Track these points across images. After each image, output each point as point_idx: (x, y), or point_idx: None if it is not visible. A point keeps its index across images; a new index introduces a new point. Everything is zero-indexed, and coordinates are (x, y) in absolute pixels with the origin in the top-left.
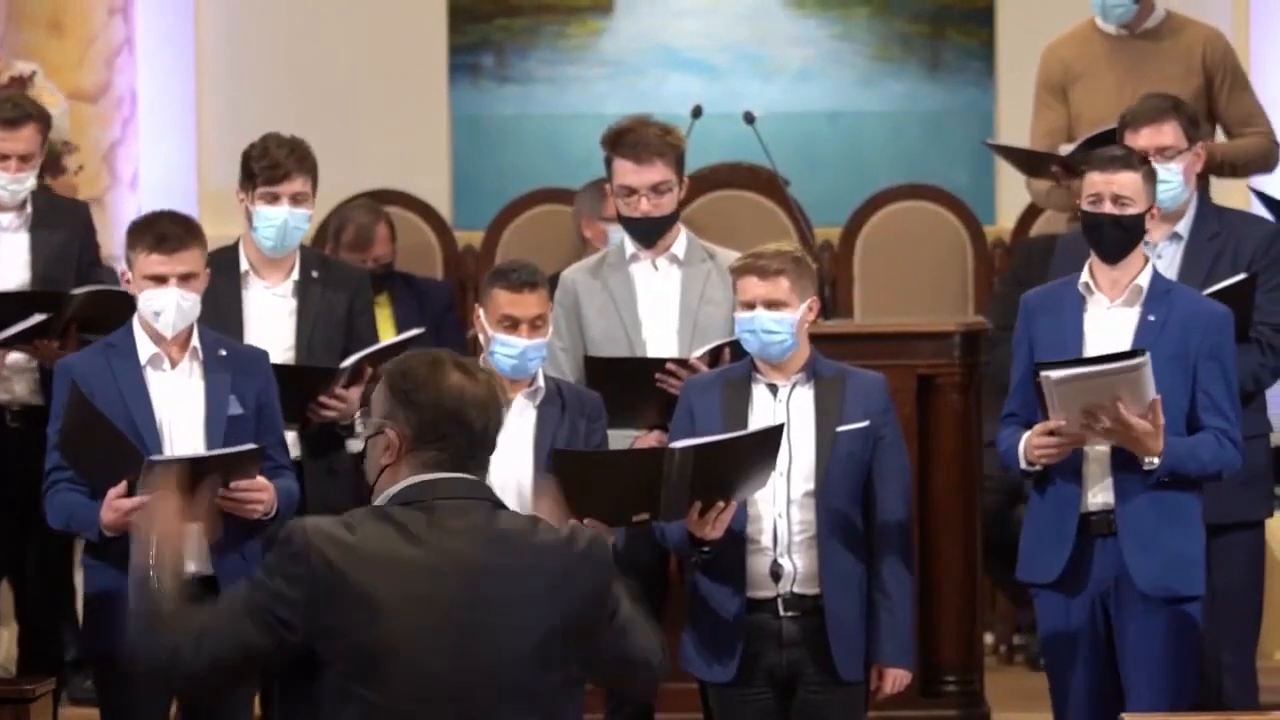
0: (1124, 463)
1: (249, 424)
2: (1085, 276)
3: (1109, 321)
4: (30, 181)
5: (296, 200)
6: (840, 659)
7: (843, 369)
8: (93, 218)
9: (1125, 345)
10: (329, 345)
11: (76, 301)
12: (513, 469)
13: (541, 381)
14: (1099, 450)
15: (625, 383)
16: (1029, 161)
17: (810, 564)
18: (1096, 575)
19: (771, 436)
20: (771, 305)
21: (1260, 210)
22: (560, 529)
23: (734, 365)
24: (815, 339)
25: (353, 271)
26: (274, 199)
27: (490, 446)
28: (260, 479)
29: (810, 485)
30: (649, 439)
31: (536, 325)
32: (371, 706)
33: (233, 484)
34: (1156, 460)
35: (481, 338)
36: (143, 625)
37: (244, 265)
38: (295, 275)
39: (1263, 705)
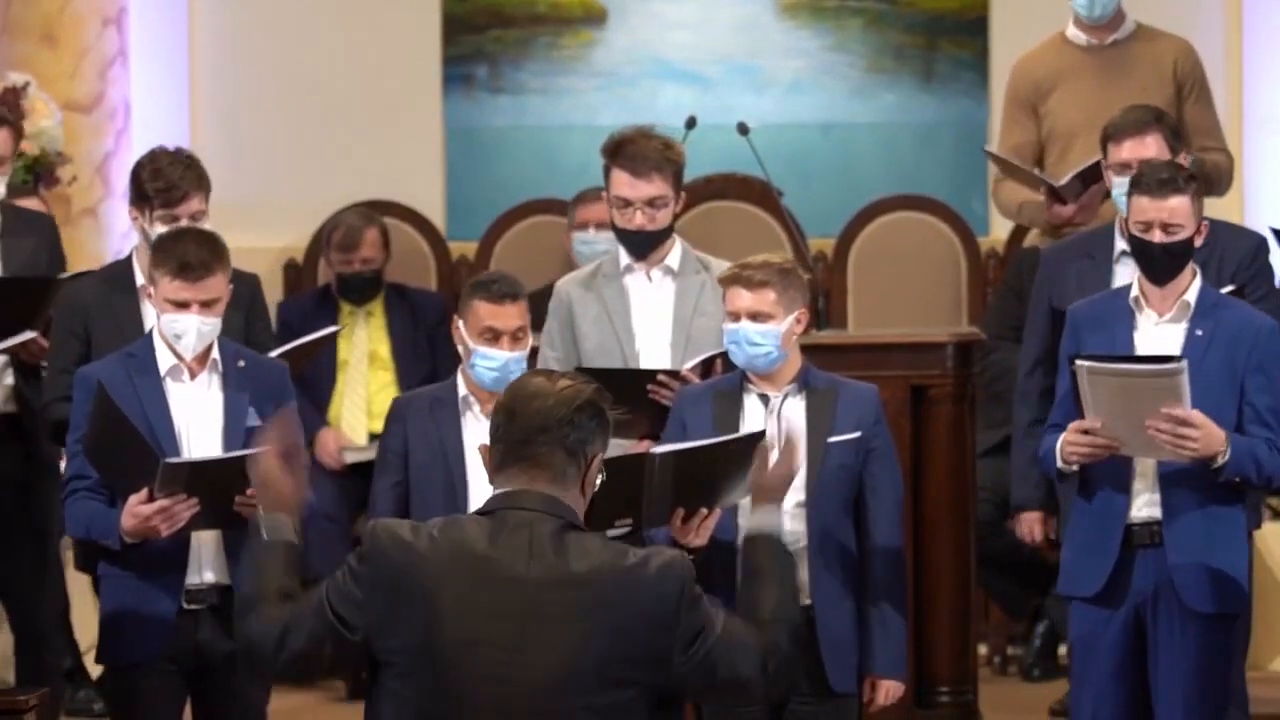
0: (1172, 475)
1: None
2: (1135, 290)
3: (1158, 337)
4: (1, 187)
5: (194, 219)
6: (832, 670)
7: (834, 380)
8: (59, 231)
9: None
10: None
11: (60, 288)
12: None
13: None
14: (1145, 461)
15: (617, 393)
16: (1012, 173)
17: (801, 575)
18: (1137, 586)
19: (753, 442)
20: (756, 317)
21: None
22: (635, 551)
23: (726, 376)
24: (808, 350)
25: (246, 278)
26: (173, 220)
27: (522, 448)
28: None
29: (801, 496)
30: (640, 448)
31: (518, 337)
32: (418, 709)
33: (250, 489)
34: (1225, 453)
35: (461, 350)
36: (244, 608)
37: (139, 279)
38: None
39: (1254, 716)
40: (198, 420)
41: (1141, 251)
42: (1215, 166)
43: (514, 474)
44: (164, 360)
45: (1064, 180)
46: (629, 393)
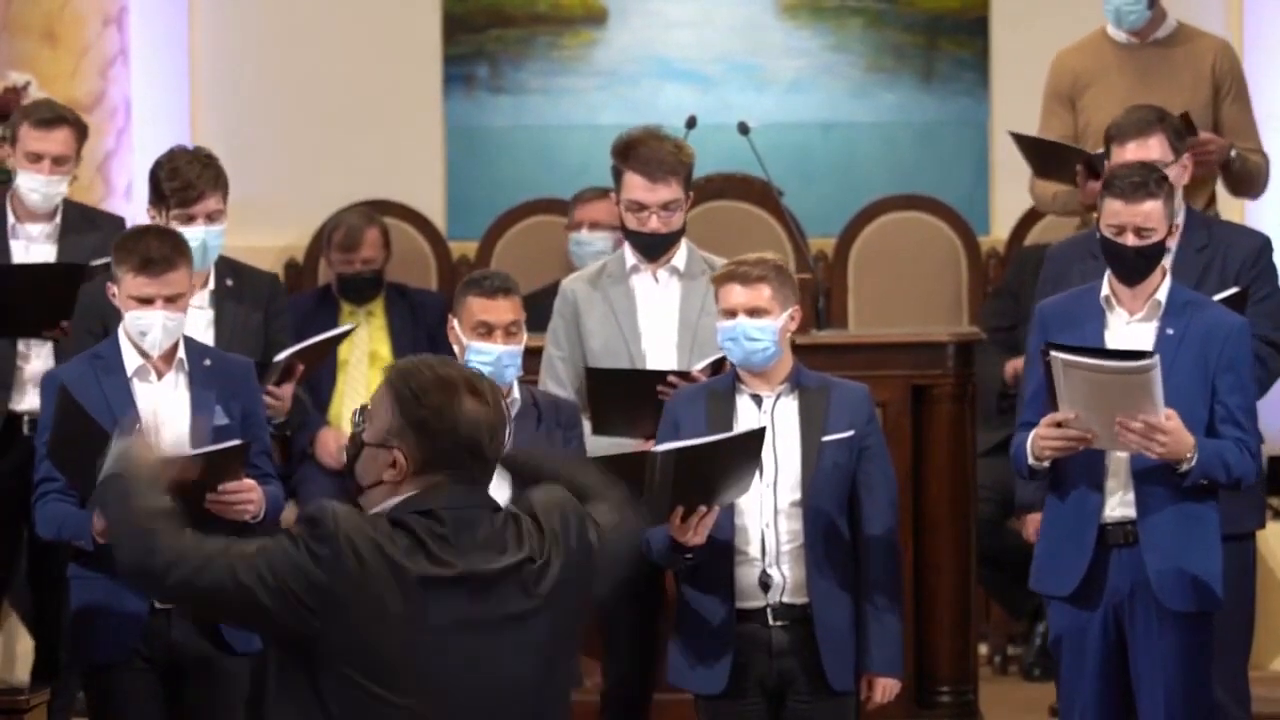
0: (1145, 474)
1: (234, 434)
2: (1106, 289)
3: (1129, 336)
4: (63, 188)
5: (211, 218)
6: (831, 669)
7: (826, 379)
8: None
9: None
10: (248, 354)
11: (97, 274)
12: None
13: (517, 393)
14: (1118, 460)
15: (625, 394)
16: (1045, 160)
17: (799, 574)
18: (1113, 585)
19: (753, 440)
20: (753, 313)
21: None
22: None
23: (718, 377)
24: (808, 349)
25: (265, 277)
26: (189, 220)
27: (494, 465)
28: (248, 480)
29: (797, 495)
30: (645, 448)
31: (511, 332)
32: (387, 705)
33: (220, 486)
34: (1192, 459)
35: (456, 348)
36: (132, 519)
37: None
38: (210, 285)
39: (1255, 716)
40: (165, 420)
41: (1114, 254)
42: (1255, 166)
43: (432, 476)
44: (130, 360)
45: (1102, 149)
46: (637, 392)
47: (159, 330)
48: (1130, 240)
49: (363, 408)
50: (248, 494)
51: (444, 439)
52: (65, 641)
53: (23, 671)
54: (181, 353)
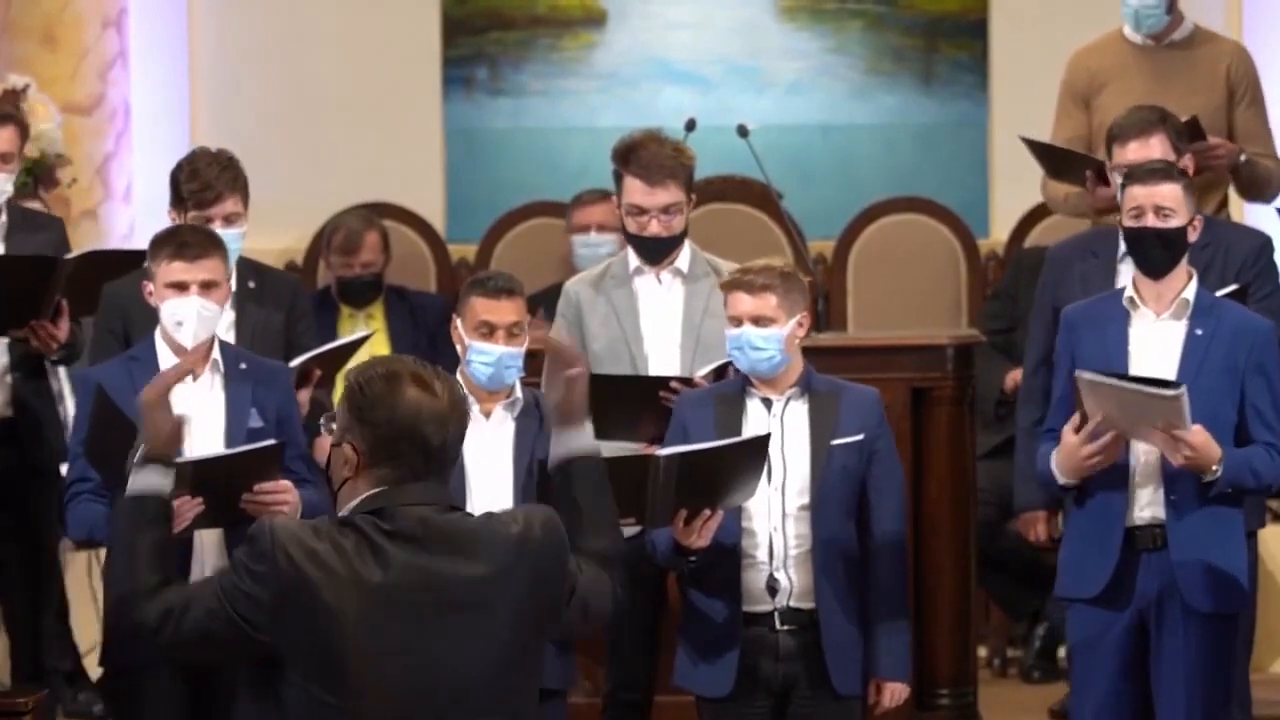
0: (1175, 476)
1: (269, 437)
2: (1130, 290)
3: (1155, 335)
4: (8, 187)
5: (229, 221)
6: (836, 673)
7: (836, 383)
8: (67, 233)
9: (1173, 359)
10: (270, 355)
11: (68, 268)
12: (492, 481)
13: (520, 393)
14: (1146, 464)
15: (627, 399)
16: (1057, 163)
17: (806, 578)
18: (1141, 589)
19: (758, 446)
20: (759, 321)
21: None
22: (509, 515)
23: (727, 381)
24: (808, 352)
25: (288, 279)
26: (207, 222)
27: (451, 460)
28: (284, 481)
29: (805, 499)
30: (648, 452)
31: (514, 333)
32: (335, 711)
33: (256, 486)
34: (1217, 471)
35: (459, 348)
36: (123, 591)
37: None
38: (232, 286)
39: (1257, 718)
40: (200, 420)
41: (1137, 241)
42: (1266, 171)
43: (378, 470)
44: (165, 361)
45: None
46: (640, 399)
47: (194, 318)
48: (1150, 221)
49: (331, 413)
50: (283, 495)
51: (382, 427)
52: (49, 645)
53: (5, 673)
54: (216, 353)
